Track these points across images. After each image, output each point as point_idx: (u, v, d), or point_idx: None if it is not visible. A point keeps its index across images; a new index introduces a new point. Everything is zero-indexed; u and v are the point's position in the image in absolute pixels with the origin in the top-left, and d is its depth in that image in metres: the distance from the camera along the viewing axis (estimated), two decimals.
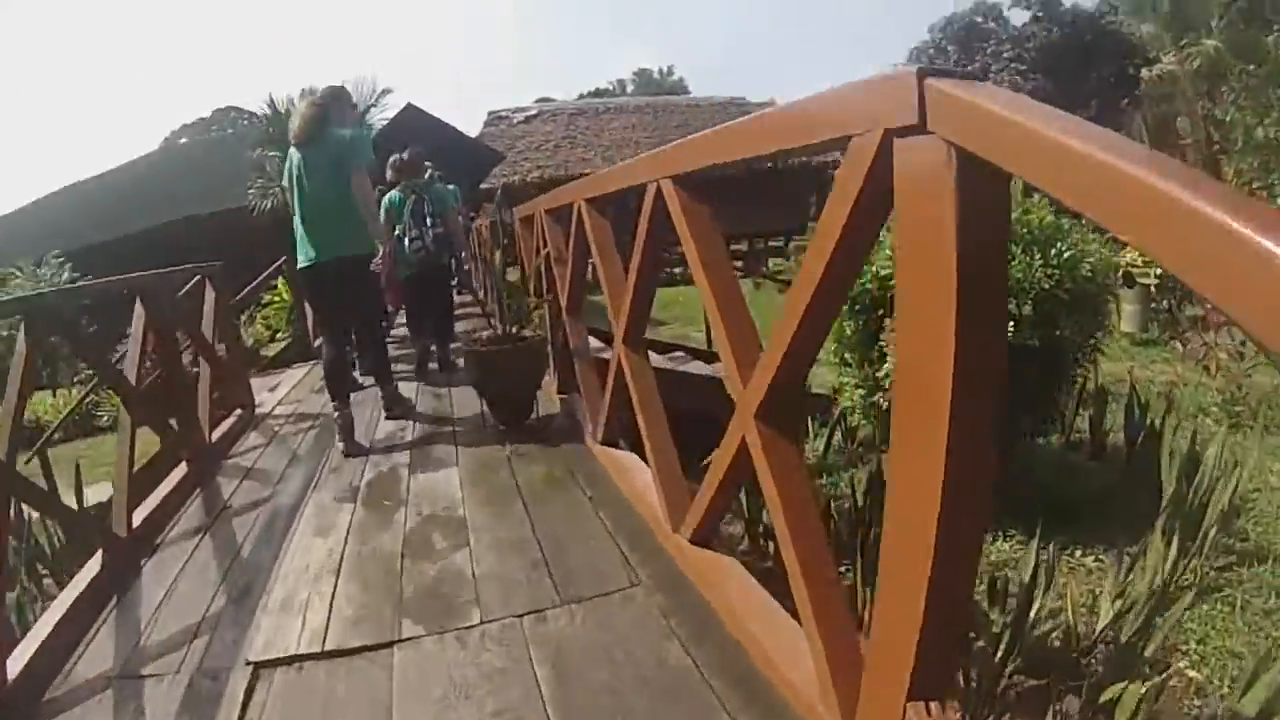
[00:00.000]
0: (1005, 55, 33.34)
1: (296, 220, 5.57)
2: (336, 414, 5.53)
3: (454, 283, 10.15)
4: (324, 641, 3.03)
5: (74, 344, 4.44)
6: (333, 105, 5.69)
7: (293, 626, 3.17)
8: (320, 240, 5.48)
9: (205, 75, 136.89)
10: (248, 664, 2.92)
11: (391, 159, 7.89)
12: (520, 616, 3.07)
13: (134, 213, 25.92)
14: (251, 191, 21.19)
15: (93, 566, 3.82)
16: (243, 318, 15.25)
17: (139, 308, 5.03)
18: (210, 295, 6.91)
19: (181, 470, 5.25)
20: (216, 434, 6.11)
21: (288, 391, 7.99)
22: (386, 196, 7.39)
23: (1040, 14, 34.41)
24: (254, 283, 11.56)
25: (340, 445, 5.49)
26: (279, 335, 14.17)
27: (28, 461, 8.32)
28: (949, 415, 1.44)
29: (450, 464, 4.95)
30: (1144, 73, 22.72)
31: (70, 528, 4.61)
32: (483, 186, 24.66)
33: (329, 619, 3.19)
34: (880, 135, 1.58)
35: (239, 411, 6.85)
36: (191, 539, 4.27)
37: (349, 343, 6.44)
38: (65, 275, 18.05)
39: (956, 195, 1.39)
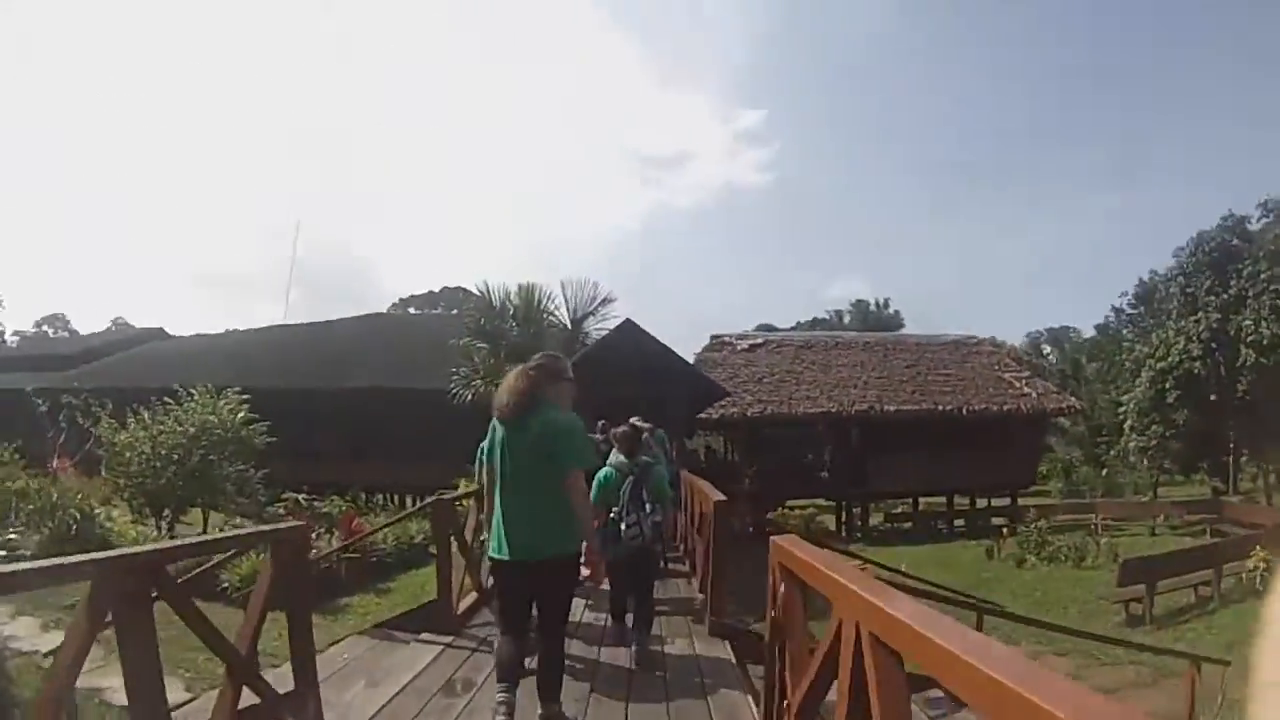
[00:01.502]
0: (1263, 276, 30.50)
1: (496, 501, 5.02)
2: (500, 694, 4.89)
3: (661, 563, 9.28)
4: None
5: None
6: (546, 378, 5.07)
7: None
8: (517, 538, 4.89)
9: (449, 252, 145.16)
10: None
11: (614, 432, 7.66)
12: None
13: (331, 368, 27.81)
14: (455, 378, 21.35)
15: None
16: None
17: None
18: (267, 574, 4.86)
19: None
20: None
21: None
22: (601, 473, 7.01)
23: None
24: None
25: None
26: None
27: None
28: None
29: None
30: None
31: None
32: (700, 416, 24.17)
33: None
34: None
35: None
36: None
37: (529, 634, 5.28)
38: (241, 414, 17.81)
39: None
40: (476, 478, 7.12)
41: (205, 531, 15.88)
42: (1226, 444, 32.32)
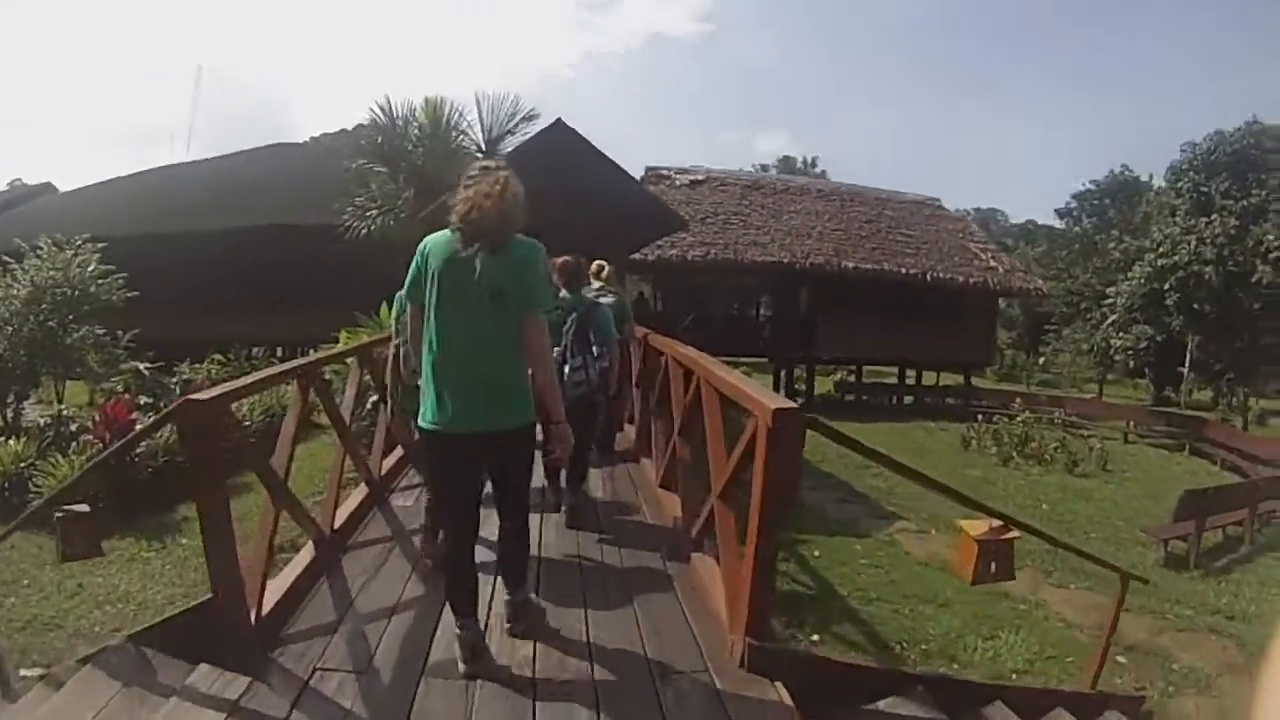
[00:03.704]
0: None
1: (427, 353, 3.78)
2: (459, 629, 3.97)
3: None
4: None
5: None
6: (516, 199, 3.71)
7: None
8: (465, 402, 3.72)
9: (369, 94, 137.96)
10: None
11: (555, 262, 6.25)
12: None
13: (221, 208, 24.55)
14: (348, 211, 18.04)
15: None
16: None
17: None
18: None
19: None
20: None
21: None
22: None
23: None
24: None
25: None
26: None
27: None
28: None
29: None
30: None
31: None
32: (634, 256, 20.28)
33: None
34: None
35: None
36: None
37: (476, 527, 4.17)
38: (93, 267, 14.55)
39: None
40: (398, 321, 5.82)
41: (62, 408, 13.78)
42: (1184, 353, 30.54)
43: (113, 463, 8.26)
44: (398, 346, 5.77)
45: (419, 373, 3.93)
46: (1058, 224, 63.08)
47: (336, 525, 5.72)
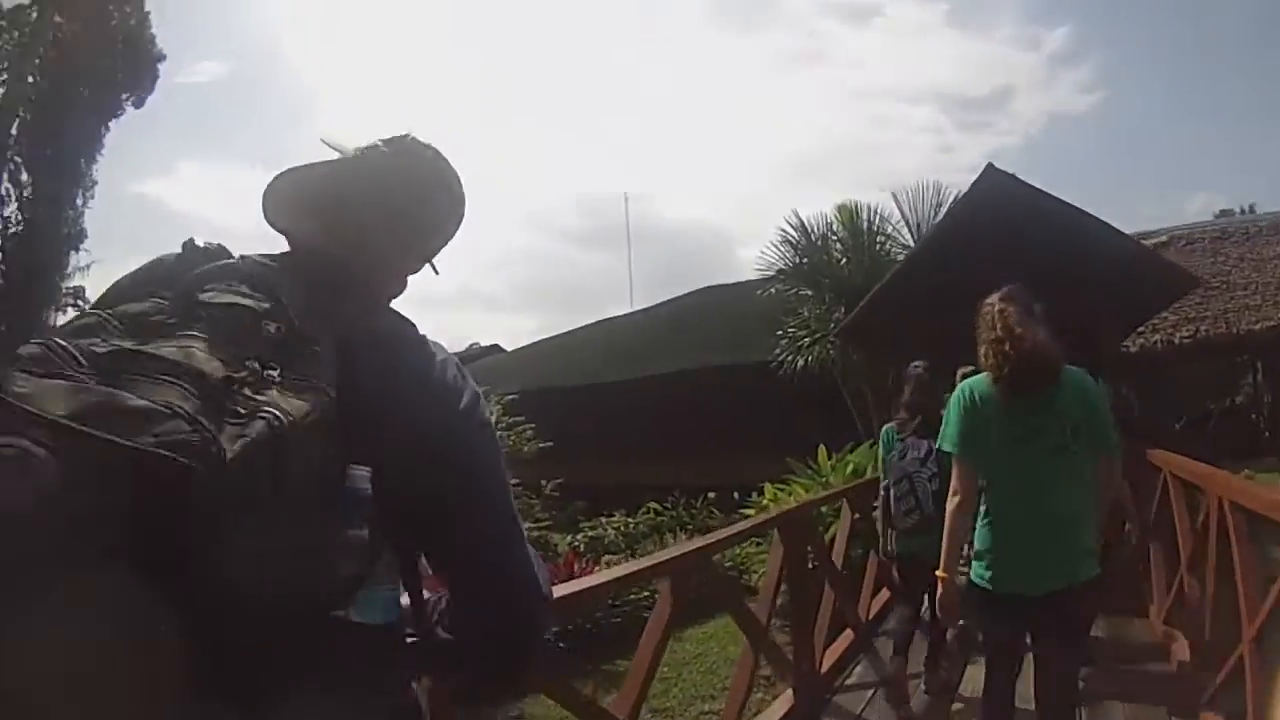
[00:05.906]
0: None
1: (988, 518, 3.31)
2: None
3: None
4: None
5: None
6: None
7: None
8: (1041, 560, 3.16)
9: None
10: None
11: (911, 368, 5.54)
12: None
13: (656, 354, 25.10)
14: (782, 344, 16.82)
15: None
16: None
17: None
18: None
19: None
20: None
21: None
22: (884, 429, 5.68)
23: None
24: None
25: None
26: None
27: None
28: None
29: None
30: None
31: None
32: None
33: None
34: None
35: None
36: None
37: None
38: (496, 417, 14.74)
39: None
40: (884, 463, 5.46)
41: None
42: None
43: None
44: (886, 488, 5.39)
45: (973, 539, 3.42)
46: None
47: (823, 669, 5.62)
